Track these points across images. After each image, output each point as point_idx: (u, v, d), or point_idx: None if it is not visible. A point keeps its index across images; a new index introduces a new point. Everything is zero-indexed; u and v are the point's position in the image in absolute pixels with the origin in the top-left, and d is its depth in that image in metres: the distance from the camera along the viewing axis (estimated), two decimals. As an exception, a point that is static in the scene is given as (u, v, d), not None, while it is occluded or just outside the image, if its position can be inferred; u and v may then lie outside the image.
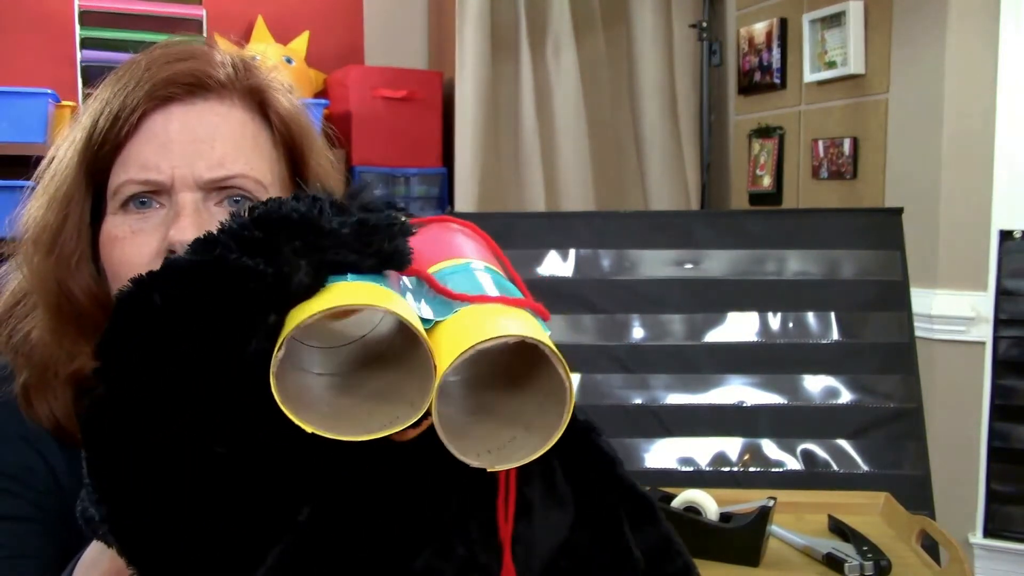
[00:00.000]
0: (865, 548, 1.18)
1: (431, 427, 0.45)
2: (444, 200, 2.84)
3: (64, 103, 2.41)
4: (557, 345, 0.46)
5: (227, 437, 0.46)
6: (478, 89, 2.74)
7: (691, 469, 1.64)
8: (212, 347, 0.45)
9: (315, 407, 0.46)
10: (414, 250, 0.50)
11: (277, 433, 0.45)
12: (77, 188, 0.70)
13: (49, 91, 2.34)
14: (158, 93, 0.69)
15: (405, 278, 0.50)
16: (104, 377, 0.46)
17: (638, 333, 1.72)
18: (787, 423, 1.65)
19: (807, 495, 1.40)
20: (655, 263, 1.76)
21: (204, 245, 0.46)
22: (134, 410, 0.45)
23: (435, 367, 0.44)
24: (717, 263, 1.76)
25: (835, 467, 1.62)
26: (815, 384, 1.68)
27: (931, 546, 1.28)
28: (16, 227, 0.74)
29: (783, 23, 2.76)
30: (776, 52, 2.77)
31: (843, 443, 1.64)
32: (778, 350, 1.70)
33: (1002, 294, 2.19)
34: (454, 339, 0.45)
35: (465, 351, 0.43)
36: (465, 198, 2.73)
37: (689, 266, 1.76)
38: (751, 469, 1.63)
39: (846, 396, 1.67)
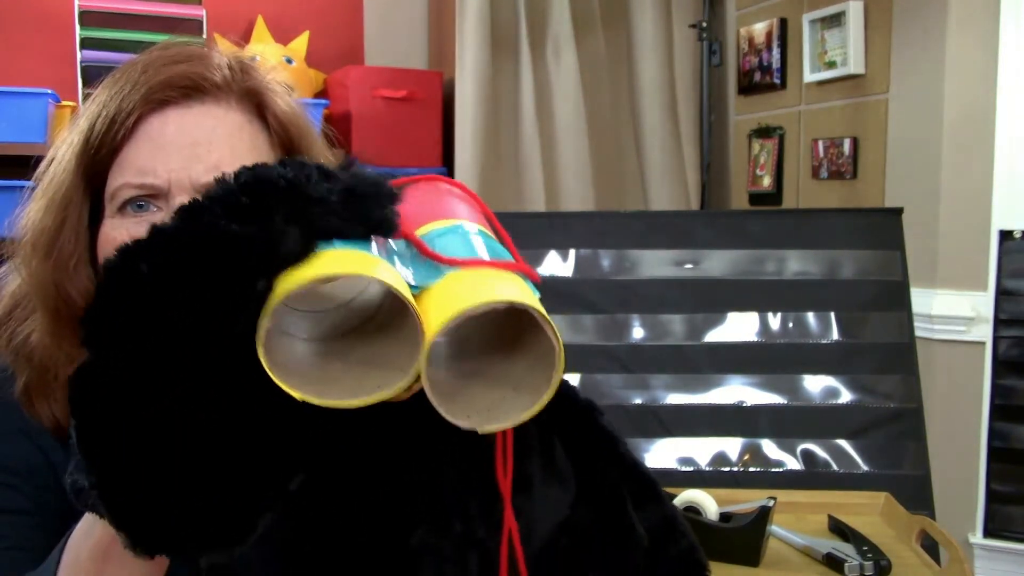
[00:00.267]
0: (865, 548, 1.18)
1: (423, 397, 0.45)
2: (444, 200, 2.84)
3: (64, 103, 2.41)
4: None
5: (217, 406, 0.46)
6: (478, 89, 2.73)
7: (691, 469, 1.64)
8: (201, 315, 0.44)
9: (304, 374, 0.46)
10: (402, 214, 0.49)
11: (267, 401, 0.45)
12: (75, 191, 0.70)
13: (49, 91, 2.34)
14: (154, 96, 0.69)
15: (392, 241, 0.49)
16: (91, 346, 0.45)
17: (638, 333, 1.72)
18: (787, 423, 1.65)
19: (807, 495, 1.40)
20: (655, 263, 1.76)
21: (191, 212, 0.45)
22: (122, 379, 0.45)
23: (423, 333, 0.44)
24: (717, 263, 1.76)
25: (835, 467, 1.62)
26: (815, 384, 1.68)
27: (931, 546, 1.28)
28: (15, 229, 0.74)
29: (783, 23, 2.76)
30: (776, 52, 2.77)
31: (843, 443, 1.64)
32: (778, 350, 1.70)
33: (1002, 294, 2.19)
34: (442, 304, 0.45)
35: (453, 317, 0.43)
36: (465, 198, 2.73)
37: (689, 266, 1.76)
38: (751, 469, 1.63)
39: (846, 396, 1.67)
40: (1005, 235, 2.19)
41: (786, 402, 1.67)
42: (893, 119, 2.40)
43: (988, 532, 2.21)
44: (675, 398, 1.68)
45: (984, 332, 2.21)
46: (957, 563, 1.10)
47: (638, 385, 1.69)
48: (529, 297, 0.46)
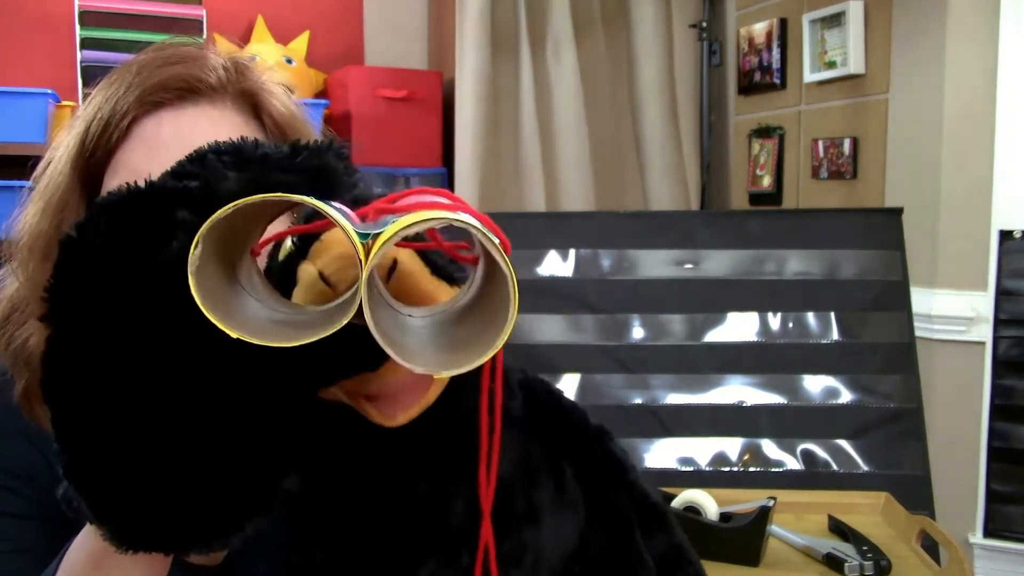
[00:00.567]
0: (865, 548, 1.18)
1: (424, 421, 0.44)
2: (444, 200, 2.84)
3: (64, 103, 2.41)
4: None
5: (171, 360, 0.45)
6: (478, 89, 2.73)
7: (691, 469, 1.64)
8: (139, 265, 0.44)
9: (247, 324, 0.43)
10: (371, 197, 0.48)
11: (217, 354, 0.44)
12: (71, 195, 0.70)
13: (49, 91, 2.34)
14: (148, 98, 0.69)
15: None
16: (51, 319, 0.45)
17: (638, 333, 1.73)
18: (787, 423, 1.65)
19: (807, 495, 1.40)
20: (655, 263, 1.76)
21: (137, 184, 0.46)
22: (86, 349, 0.44)
23: (361, 261, 0.40)
24: (717, 263, 1.76)
25: (835, 467, 1.62)
26: (815, 384, 1.68)
27: (931, 546, 1.28)
28: (13, 233, 0.74)
29: (783, 23, 2.75)
30: (776, 52, 2.77)
31: (843, 443, 1.64)
32: (778, 350, 1.70)
33: (1002, 294, 2.19)
34: (388, 231, 0.41)
35: (394, 232, 0.40)
36: (465, 198, 2.71)
37: (689, 266, 1.76)
38: (751, 469, 1.63)
39: (846, 396, 1.67)
40: (1005, 235, 2.19)
41: (786, 402, 1.67)
42: (893, 119, 2.40)
43: (988, 532, 2.21)
44: (675, 398, 1.68)
45: (984, 332, 2.21)
46: (957, 563, 1.10)
47: (638, 385, 1.69)
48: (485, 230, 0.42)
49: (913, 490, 1.57)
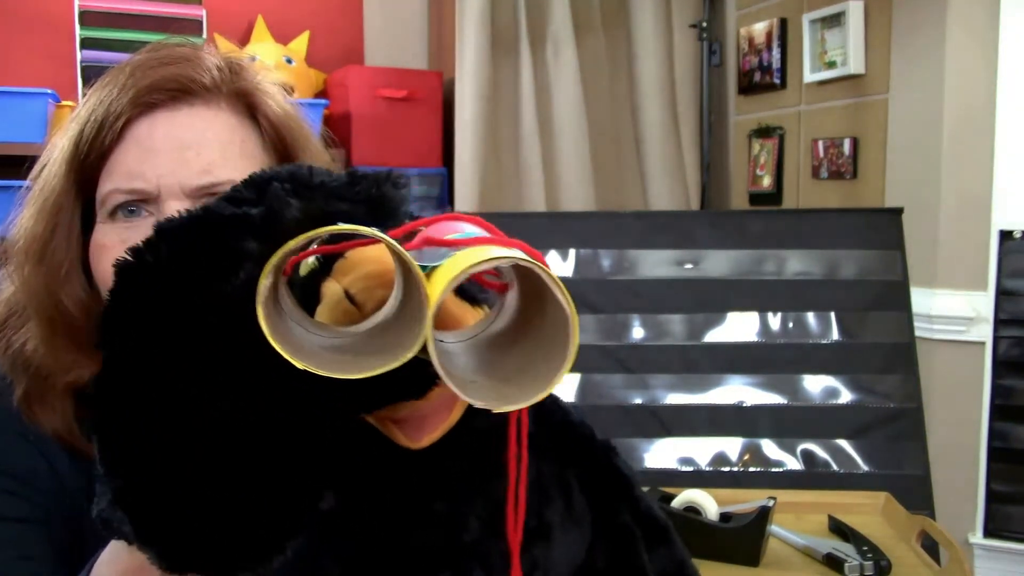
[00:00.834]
0: (865, 548, 1.18)
1: (442, 440, 0.44)
2: (444, 200, 2.84)
3: (64, 103, 2.41)
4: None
5: (232, 387, 0.45)
6: (478, 89, 2.73)
7: (691, 469, 1.64)
8: (204, 293, 0.44)
9: (310, 355, 0.44)
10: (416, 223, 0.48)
11: (277, 382, 0.44)
12: (66, 198, 0.69)
13: (49, 91, 2.34)
14: (142, 100, 0.68)
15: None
16: (107, 346, 0.45)
17: (638, 333, 1.73)
18: (787, 423, 1.65)
19: (807, 495, 1.40)
20: (655, 263, 1.76)
21: (196, 210, 0.46)
22: (140, 375, 0.44)
23: (427, 297, 0.41)
24: (717, 263, 1.76)
25: (835, 467, 1.62)
26: (815, 384, 1.68)
27: (931, 546, 1.28)
28: (9, 236, 0.73)
29: (783, 23, 2.75)
30: (776, 52, 2.77)
31: (843, 443, 1.64)
32: (778, 350, 1.70)
33: (1002, 294, 2.19)
34: (447, 269, 0.42)
35: (456, 275, 0.41)
36: (465, 198, 2.73)
37: (689, 266, 1.76)
38: (751, 469, 1.63)
39: (846, 396, 1.67)
40: (1005, 235, 2.19)
41: (786, 402, 1.67)
42: (893, 119, 2.39)
43: (988, 532, 2.21)
44: (675, 398, 1.68)
45: (984, 332, 2.21)
46: (957, 563, 1.10)
47: (638, 385, 1.69)
48: (536, 260, 0.43)
49: (913, 490, 1.58)
